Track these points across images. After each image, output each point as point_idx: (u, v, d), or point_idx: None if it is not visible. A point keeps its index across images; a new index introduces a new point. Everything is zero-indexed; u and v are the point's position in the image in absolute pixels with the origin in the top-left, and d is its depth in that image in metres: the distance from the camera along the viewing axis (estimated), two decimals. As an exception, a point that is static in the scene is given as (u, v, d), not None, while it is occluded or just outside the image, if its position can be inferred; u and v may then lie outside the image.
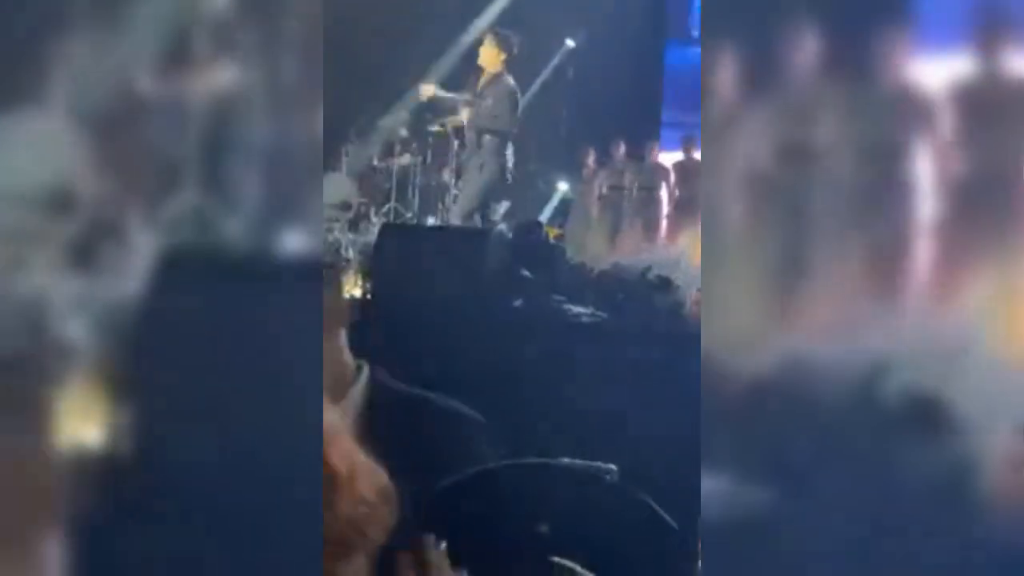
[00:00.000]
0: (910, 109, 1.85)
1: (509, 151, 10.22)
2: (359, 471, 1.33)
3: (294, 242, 1.56)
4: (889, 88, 1.83)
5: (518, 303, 6.37)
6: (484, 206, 10.38)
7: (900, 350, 1.74)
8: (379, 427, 1.58)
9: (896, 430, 1.72)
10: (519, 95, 10.33)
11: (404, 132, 12.59)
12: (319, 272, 1.64)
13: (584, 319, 6.44)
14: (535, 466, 1.85)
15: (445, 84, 10.98)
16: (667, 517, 2.09)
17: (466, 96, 10.27)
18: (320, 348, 1.47)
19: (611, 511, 2.20)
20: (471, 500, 1.29)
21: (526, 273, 6.65)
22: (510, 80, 10.21)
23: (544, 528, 1.62)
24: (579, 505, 1.97)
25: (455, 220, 10.31)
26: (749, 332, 1.77)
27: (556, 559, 1.61)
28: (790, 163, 1.81)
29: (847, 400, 1.72)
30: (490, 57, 10.15)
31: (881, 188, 1.82)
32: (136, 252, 1.50)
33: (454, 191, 11.03)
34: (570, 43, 13.76)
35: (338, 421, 1.35)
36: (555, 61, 13.78)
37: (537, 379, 5.29)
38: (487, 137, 10.11)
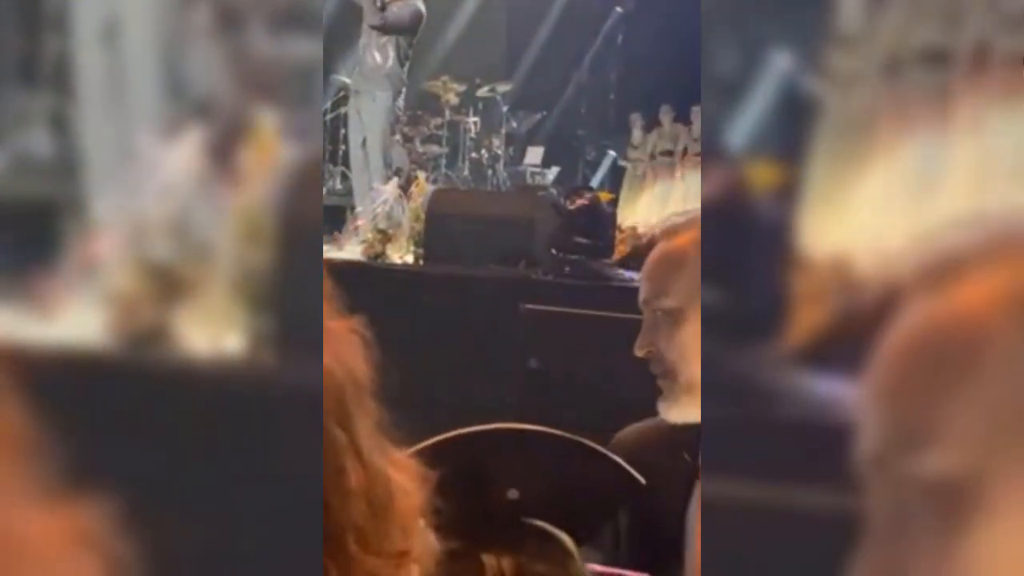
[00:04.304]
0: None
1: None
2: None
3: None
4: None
5: (569, 269, 6.38)
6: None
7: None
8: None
9: None
10: (424, 16, 9.19)
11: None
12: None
13: (636, 284, 6.44)
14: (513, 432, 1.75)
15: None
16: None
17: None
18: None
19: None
20: (445, 464, 1.24)
21: (579, 239, 6.66)
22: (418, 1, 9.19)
23: (514, 494, 1.61)
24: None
25: (377, 179, 8.86)
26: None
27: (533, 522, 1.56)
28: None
29: None
30: None
31: None
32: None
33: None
34: (619, 9, 13.71)
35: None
36: (606, 28, 13.73)
37: (590, 342, 5.32)
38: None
